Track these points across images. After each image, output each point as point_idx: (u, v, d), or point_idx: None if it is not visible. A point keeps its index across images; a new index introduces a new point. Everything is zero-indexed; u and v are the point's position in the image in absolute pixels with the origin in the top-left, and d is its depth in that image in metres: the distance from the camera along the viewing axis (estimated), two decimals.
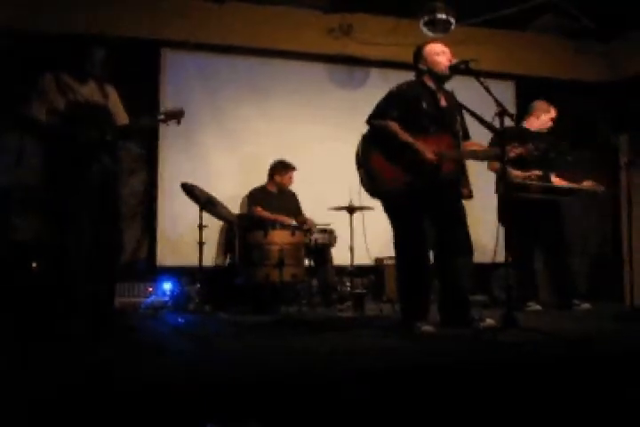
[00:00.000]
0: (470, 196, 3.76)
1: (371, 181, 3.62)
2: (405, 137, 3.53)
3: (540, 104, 5.02)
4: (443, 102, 3.72)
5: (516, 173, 4.69)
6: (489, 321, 3.55)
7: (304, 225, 5.36)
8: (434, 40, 3.85)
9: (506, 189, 4.35)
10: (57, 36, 5.13)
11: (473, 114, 3.65)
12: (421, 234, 3.61)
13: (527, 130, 4.92)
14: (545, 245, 4.92)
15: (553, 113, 4.97)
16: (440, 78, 3.70)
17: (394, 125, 3.56)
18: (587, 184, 4.94)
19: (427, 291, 3.66)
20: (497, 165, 4.67)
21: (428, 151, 3.49)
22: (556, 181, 4.95)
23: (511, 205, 4.30)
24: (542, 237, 4.89)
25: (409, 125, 3.57)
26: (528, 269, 4.85)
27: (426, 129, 3.59)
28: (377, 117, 3.64)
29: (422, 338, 3.33)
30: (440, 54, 3.67)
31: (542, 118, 4.96)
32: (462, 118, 3.78)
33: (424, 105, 3.61)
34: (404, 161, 3.55)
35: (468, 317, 3.61)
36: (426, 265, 3.65)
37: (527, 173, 4.72)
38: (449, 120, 3.68)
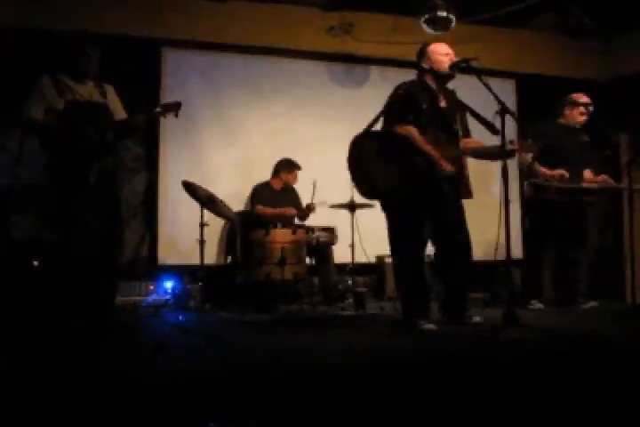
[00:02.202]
0: (470, 196, 3.79)
1: (366, 183, 3.61)
2: (424, 146, 3.50)
3: (569, 98, 4.82)
4: (442, 102, 3.72)
5: (542, 170, 4.64)
6: (476, 318, 3.65)
7: (308, 211, 5.40)
8: (438, 40, 3.81)
9: (533, 190, 4.59)
10: (55, 35, 5.12)
11: (475, 114, 3.64)
12: (417, 234, 3.63)
13: (557, 126, 4.80)
14: (561, 244, 4.86)
15: (581, 107, 4.74)
16: (442, 78, 3.69)
17: (415, 132, 3.53)
18: (602, 178, 4.79)
19: (425, 290, 3.69)
20: (525, 158, 4.60)
21: (445, 162, 3.49)
22: (589, 178, 4.78)
23: (531, 205, 4.33)
24: (560, 236, 4.81)
25: (411, 122, 3.57)
26: (538, 269, 4.84)
27: (425, 127, 3.58)
28: (397, 124, 3.59)
29: (424, 336, 3.34)
30: (444, 55, 3.66)
31: (570, 113, 4.79)
32: (464, 117, 3.78)
33: (424, 105, 3.60)
34: (400, 161, 3.55)
35: (465, 316, 3.67)
36: (421, 264, 3.67)
37: (552, 172, 4.63)
38: (448, 119, 3.69)
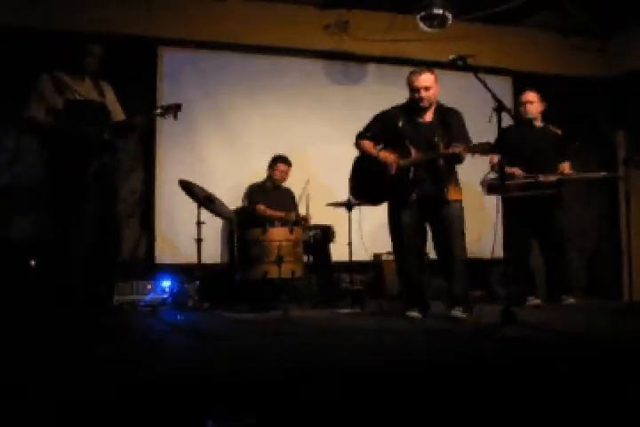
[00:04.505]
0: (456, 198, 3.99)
1: (364, 191, 4.18)
2: (370, 150, 4.09)
3: None
4: (425, 117, 4.04)
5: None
6: (460, 314, 3.86)
7: (303, 221, 5.37)
8: (423, 71, 3.99)
9: (486, 190, 4.79)
10: (54, 34, 5.12)
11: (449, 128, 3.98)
12: (402, 228, 4.01)
13: (517, 125, 4.82)
14: (541, 241, 4.91)
15: (526, 104, 4.90)
16: (410, 106, 4.03)
17: (364, 143, 4.14)
18: (563, 167, 4.81)
19: (415, 284, 4.05)
20: (494, 161, 4.71)
21: (388, 157, 3.95)
22: (565, 170, 4.79)
23: (506, 203, 4.32)
24: (538, 233, 4.87)
25: (390, 140, 4.04)
26: (524, 267, 4.84)
27: (401, 140, 3.97)
28: (357, 137, 4.18)
29: (424, 335, 3.37)
30: (414, 89, 3.96)
31: (520, 110, 4.94)
32: (451, 129, 3.96)
33: (400, 123, 4.01)
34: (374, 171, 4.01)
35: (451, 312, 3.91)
36: (410, 260, 4.05)
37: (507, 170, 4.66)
38: (427, 133, 3.97)
